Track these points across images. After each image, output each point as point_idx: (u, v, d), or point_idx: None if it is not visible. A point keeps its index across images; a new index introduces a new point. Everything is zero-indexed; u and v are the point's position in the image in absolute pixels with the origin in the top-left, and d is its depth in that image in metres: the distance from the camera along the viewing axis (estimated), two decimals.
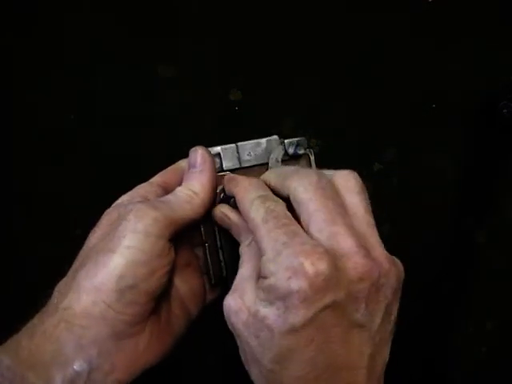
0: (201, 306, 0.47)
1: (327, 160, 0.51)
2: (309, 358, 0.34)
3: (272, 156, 0.44)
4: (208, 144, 0.44)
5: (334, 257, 0.34)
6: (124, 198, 0.41)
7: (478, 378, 0.59)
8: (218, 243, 0.44)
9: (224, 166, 0.43)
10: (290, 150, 0.44)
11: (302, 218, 0.35)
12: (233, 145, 0.44)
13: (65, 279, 0.38)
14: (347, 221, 0.36)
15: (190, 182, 0.41)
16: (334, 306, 0.34)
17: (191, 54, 0.59)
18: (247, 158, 0.44)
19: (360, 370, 0.36)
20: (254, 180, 0.40)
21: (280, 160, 0.44)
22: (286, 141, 0.44)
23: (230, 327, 0.38)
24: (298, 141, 0.44)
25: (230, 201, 0.41)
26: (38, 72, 0.57)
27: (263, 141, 0.45)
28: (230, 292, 0.37)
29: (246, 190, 0.38)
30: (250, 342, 0.35)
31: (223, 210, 0.41)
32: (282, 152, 0.44)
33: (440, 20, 0.62)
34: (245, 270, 0.38)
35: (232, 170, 0.43)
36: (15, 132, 0.56)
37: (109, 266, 0.36)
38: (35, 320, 0.36)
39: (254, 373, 0.37)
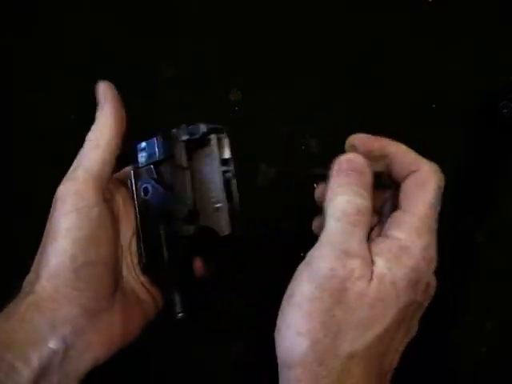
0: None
1: (327, 160, 0.51)
2: (385, 335, 0.34)
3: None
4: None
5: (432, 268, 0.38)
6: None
7: (478, 377, 0.59)
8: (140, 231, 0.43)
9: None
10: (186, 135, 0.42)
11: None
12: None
13: (31, 273, 0.39)
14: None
15: (95, 123, 0.42)
16: (420, 305, 0.38)
17: (191, 54, 0.59)
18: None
19: (391, 361, 0.38)
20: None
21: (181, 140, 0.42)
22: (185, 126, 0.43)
23: (328, 290, 0.33)
24: (193, 127, 0.42)
25: None
26: (38, 72, 0.57)
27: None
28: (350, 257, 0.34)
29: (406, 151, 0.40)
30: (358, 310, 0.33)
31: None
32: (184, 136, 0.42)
33: (440, 20, 0.62)
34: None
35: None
36: (15, 132, 0.56)
37: (58, 252, 0.38)
38: (10, 305, 0.38)
39: (333, 342, 0.33)
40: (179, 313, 0.44)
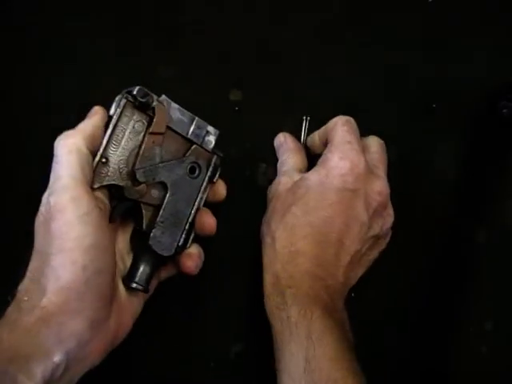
0: (156, 282, 0.48)
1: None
2: (325, 215, 0.48)
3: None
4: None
5: (371, 170, 0.50)
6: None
7: (478, 377, 0.59)
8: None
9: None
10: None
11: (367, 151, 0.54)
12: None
13: (28, 281, 0.38)
14: (385, 174, 0.53)
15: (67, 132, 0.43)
16: (355, 193, 0.48)
17: (191, 54, 0.59)
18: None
19: (342, 260, 0.48)
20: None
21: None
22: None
23: (271, 196, 0.53)
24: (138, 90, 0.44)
25: None
26: (37, 72, 0.57)
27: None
28: (280, 175, 0.53)
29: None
30: (288, 197, 0.50)
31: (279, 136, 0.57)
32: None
33: (440, 20, 0.62)
34: (293, 163, 0.54)
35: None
36: (15, 132, 0.56)
37: (67, 264, 0.37)
38: (13, 315, 0.37)
39: (273, 219, 0.50)
40: (135, 283, 0.45)
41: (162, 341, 0.56)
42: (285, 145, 0.55)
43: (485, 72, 0.62)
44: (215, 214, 0.51)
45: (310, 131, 0.58)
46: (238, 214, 0.57)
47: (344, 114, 0.54)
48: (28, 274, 0.39)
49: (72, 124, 0.45)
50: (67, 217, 0.38)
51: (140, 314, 0.48)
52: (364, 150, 0.51)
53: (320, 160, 0.51)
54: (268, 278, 0.48)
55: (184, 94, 0.51)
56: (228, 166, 0.53)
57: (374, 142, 0.54)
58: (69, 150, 0.41)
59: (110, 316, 0.41)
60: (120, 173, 0.43)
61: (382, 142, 0.54)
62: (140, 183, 0.44)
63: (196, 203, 0.48)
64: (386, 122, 0.60)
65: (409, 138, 0.61)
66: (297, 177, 0.51)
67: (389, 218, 0.51)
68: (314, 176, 0.49)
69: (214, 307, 0.57)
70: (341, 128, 0.51)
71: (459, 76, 0.61)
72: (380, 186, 0.50)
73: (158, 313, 0.54)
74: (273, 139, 0.58)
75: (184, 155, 0.48)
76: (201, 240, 0.51)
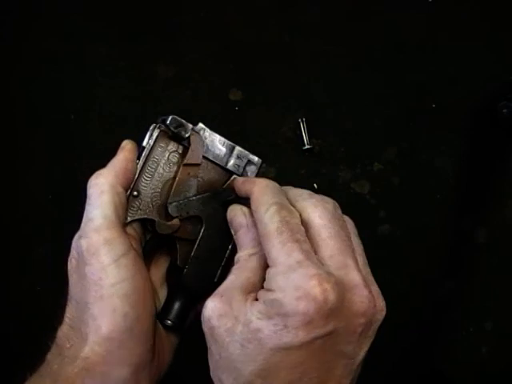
0: (192, 315, 0.45)
1: (328, 160, 0.51)
2: (293, 379, 0.34)
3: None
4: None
5: (343, 288, 0.34)
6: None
7: (478, 377, 0.59)
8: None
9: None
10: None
11: (313, 241, 0.35)
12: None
13: (67, 327, 0.37)
14: (354, 255, 0.36)
15: (101, 170, 0.40)
16: (331, 335, 0.34)
17: (191, 54, 0.59)
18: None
19: None
20: (271, 183, 0.37)
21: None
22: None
23: (206, 329, 0.36)
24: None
25: (241, 201, 0.40)
26: (37, 72, 0.57)
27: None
28: (215, 295, 0.36)
29: (264, 192, 0.36)
30: (232, 349, 0.35)
31: (237, 210, 0.39)
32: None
33: (440, 20, 0.62)
34: (236, 278, 0.36)
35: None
36: (15, 132, 0.56)
37: (108, 313, 0.36)
38: (55, 365, 0.36)
39: (226, 380, 0.35)
40: (169, 320, 0.43)
41: None
42: (248, 233, 0.38)
43: (485, 72, 0.62)
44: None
45: (309, 131, 0.58)
46: None
47: (344, 113, 0.54)
48: (66, 320, 0.37)
49: (72, 124, 0.45)
50: (102, 260, 0.36)
51: None
52: (309, 239, 0.35)
53: (265, 298, 0.34)
54: None
55: (184, 94, 0.51)
56: None
57: (313, 213, 0.36)
58: (101, 190, 0.38)
59: (154, 357, 0.39)
60: (152, 206, 0.41)
61: (322, 204, 0.36)
62: (173, 217, 0.42)
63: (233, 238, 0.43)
64: (386, 121, 0.60)
65: (409, 138, 0.61)
66: (239, 313, 0.35)
67: (376, 323, 0.37)
68: (268, 329, 0.33)
69: None
70: (274, 227, 0.34)
71: (459, 76, 0.61)
72: (361, 303, 0.35)
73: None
74: (273, 139, 0.58)
75: (223, 186, 0.44)
76: None
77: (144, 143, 0.43)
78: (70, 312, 0.37)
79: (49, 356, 0.36)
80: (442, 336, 0.59)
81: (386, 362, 0.58)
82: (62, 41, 0.57)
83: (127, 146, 0.42)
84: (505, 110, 0.59)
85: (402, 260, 0.59)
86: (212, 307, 0.35)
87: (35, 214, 0.49)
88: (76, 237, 0.38)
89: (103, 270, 0.36)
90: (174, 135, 0.43)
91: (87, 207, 0.38)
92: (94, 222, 0.37)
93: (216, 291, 0.36)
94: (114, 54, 0.58)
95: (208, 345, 0.36)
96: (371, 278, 0.37)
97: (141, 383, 0.38)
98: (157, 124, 0.42)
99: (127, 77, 0.57)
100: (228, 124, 0.54)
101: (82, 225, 0.39)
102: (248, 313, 0.34)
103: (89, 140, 0.56)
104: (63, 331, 0.37)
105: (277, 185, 0.38)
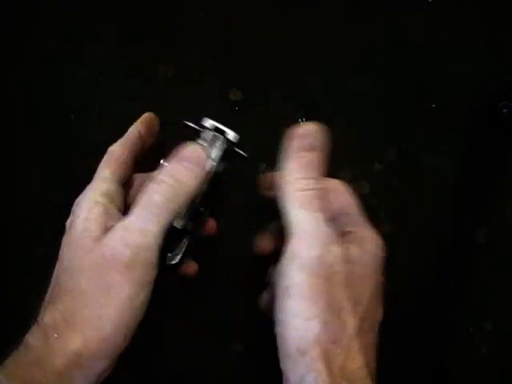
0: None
1: (328, 160, 0.50)
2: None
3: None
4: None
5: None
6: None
7: (478, 377, 0.59)
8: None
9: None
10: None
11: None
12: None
13: (60, 316, 0.37)
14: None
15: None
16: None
17: (191, 54, 0.59)
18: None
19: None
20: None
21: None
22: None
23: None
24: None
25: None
26: (37, 72, 0.57)
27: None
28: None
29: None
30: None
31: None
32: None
33: (440, 20, 0.62)
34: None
35: None
36: (15, 132, 0.56)
37: (115, 321, 0.37)
38: (42, 353, 0.36)
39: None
40: (173, 260, 0.45)
41: (162, 340, 0.56)
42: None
43: (485, 72, 0.62)
44: (215, 214, 0.51)
45: None
46: (238, 214, 0.57)
47: (344, 113, 0.54)
48: (59, 308, 0.37)
49: (72, 124, 0.45)
50: (132, 276, 0.38)
51: None
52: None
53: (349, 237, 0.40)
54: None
55: (184, 94, 0.51)
56: None
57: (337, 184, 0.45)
58: (103, 178, 0.43)
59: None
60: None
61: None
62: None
63: None
64: (386, 122, 0.60)
65: (409, 138, 0.61)
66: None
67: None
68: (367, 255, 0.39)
69: (213, 307, 0.57)
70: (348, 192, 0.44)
71: (459, 76, 0.61)
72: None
73: (158, 313, 0.54)
74: (272, 139, 0.58)
75: None
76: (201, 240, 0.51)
77: (212, 156, 0.44)
78: (65, 303, 0.37)
79: (31, 340, 0.37)
80: (442, 336, 0.59)
81: (385, 362, 0.58)
82: (62, 41, 0.57)
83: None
84: (505, 110, 0.59)
85: (402, 260, 0.59)
86: (335, 254, 0.37)
87: (35, 214, 0.49)
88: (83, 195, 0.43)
89: (128, 283, 0.38)
90: (231, 154, 0.45)
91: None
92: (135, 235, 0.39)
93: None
94: (114, 54, 0.58)
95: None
96: None
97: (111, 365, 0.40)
98: (223, 139, 0.43)
99: (127, 77, 0.57)
100: (228, 124, 0.54)
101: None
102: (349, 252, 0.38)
103: (89, 140, 0.56)
104: (54, 319, 0.37)
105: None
